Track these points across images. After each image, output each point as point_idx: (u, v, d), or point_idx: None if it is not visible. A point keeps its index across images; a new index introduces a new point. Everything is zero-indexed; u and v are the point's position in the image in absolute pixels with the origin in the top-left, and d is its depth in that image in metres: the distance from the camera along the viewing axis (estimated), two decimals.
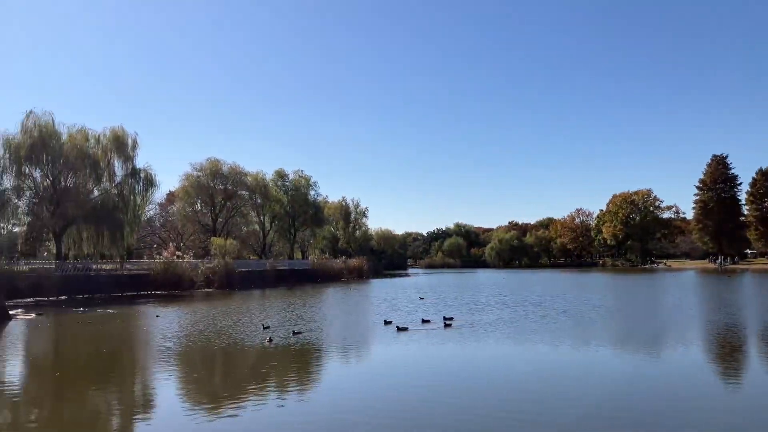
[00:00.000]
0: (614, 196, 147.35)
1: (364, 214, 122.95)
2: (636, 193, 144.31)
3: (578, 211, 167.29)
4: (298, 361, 18.54)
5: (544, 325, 25.73)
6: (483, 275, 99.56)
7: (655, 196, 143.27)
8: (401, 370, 16.67)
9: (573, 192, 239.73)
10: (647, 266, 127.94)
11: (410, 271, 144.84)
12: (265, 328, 24.86)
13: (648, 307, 34.05)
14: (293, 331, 23.69)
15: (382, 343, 21.34)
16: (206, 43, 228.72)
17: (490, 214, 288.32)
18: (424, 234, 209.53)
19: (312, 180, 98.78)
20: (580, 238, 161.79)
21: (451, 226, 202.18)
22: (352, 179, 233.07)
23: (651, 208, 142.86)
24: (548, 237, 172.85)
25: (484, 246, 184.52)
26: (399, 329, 24.37)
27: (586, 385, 14.49)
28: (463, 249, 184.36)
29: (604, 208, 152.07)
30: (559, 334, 23.04)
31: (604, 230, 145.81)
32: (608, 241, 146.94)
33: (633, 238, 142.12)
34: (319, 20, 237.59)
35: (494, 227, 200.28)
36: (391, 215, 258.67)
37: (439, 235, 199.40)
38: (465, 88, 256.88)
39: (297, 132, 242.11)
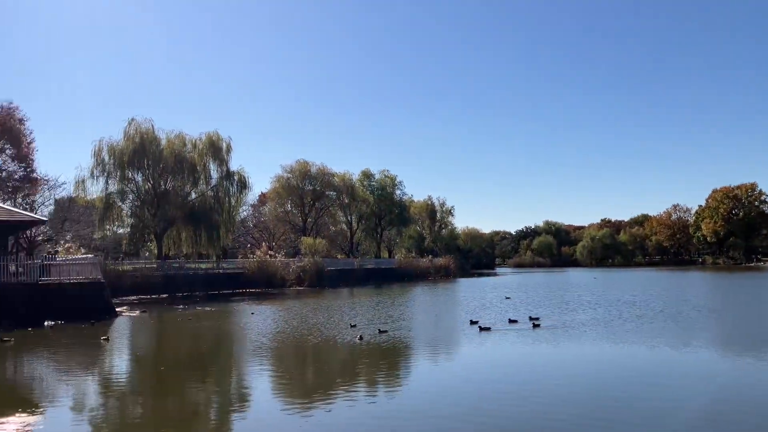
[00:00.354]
0: (714, 191, 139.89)
1: (450, 212, 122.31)
2: (739, 187, 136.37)
3: (675, 207, 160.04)
4: (387, 359, 18.67)
5: (639, 326, 24.73)
6: (574, 274, 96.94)
7: (760, 190, 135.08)
8: (490, 371, 16.45)
9: (669, 187, 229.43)
10: (752, 264, 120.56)
11: (498, 270, 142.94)
12: (352, 327, 25.18)
13: (754, 308, 32.12)
14: (379, 330, 23.88)
15: (470, 343, 21.14)
16: (294, 45, 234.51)
17: (581, 212, 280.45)
18: (512, 232, 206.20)
19: (398, 179, 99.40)
20: (678, 236, 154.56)
21: (541, 224, 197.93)
22: (438, 178, 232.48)
23: (756, 203, 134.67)
24: (643, 234, 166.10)
25: (575, 244, 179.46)
26: (481, 329, 24.03)
27: (685, 390, 13.80)
28: (553, 247, 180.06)
29: (703, 203, 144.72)
30: (655, 335, 22.07)
31: (703, 227, 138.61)
32: (708, 239, 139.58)
33: (736, 234, 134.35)
34: (407, 17, 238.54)
35: (586, 225, 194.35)
36: (478, 214, 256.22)
37: (527, 234, 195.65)
38: (553, 81, 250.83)
39: (383, 132, 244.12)
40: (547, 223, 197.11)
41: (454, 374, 16.21)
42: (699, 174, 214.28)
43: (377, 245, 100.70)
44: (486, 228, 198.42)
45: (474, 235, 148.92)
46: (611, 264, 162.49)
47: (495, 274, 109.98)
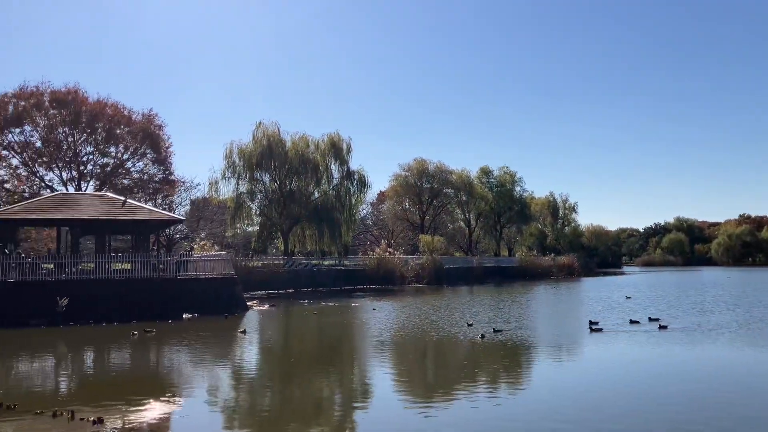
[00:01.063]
0: None
1: (573, 209, 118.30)
2: None
3: None
4: (508, 358, 18.32)
5: None
6: (708, 274, 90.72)
7: None
8: (615, 373, 15.67)
9: None
10: None
11: (625, 269, 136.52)
12: (469, 326, 24.84)
13: None
14: (493, 329, 23.38)
15: (589, 345, 20.30)
16: (410, 44, 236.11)
17: (715, 207, 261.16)
18: (640, 230, 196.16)
19: (517, 176, 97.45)
20: None
21: (671, 220, 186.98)
22: (560, 173, 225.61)
23: None
24: None
25: (709, 242, 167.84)
26: (592, 330, 23.14)
27: None
28: (685, 245, 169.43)
29: None
30: None
31: None
32: None
33: None
34: (522, 16, 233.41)
35: (721, 221, 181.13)
36: (603, 210, 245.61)
37: (657, 231, 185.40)
38: (678, 68, 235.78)
39: (502, 128, 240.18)
40: (678, 219, 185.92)
41: (576, 375, 15.59)
42: None
43: (497, 243, 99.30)
44: (612, 225, 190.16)
45: (599, 233, 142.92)
46: (752, 263, 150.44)
47: (622, 273, 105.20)
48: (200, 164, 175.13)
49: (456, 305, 36.66)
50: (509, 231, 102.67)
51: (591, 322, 24.77)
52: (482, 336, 21.69)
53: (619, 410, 11.79)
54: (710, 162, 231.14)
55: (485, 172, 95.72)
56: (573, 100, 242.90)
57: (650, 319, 26.01)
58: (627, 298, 40.83)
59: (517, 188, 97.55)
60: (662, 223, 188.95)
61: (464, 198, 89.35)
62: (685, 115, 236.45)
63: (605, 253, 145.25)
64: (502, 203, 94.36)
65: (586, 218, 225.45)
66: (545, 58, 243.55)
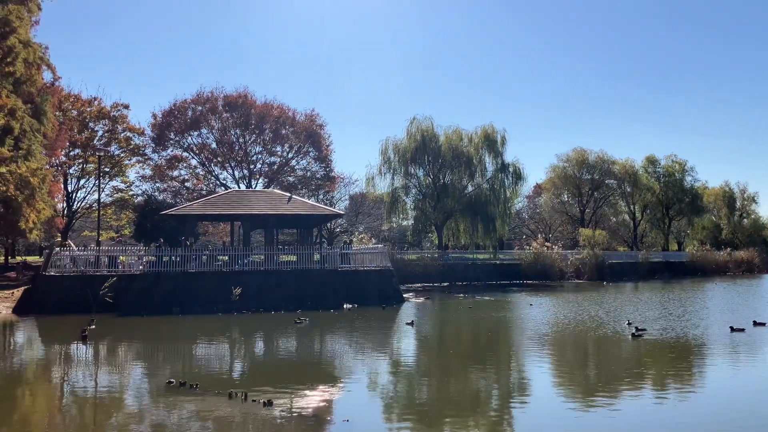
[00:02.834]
0: None
1: (753, 200, 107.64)
2: None
3: None
4: (673, 358, 17.07)
5: None
6: None
7: None
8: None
9: None
10: None
11: None
12: (629, 324, 23.34)
13: None
14: (636, 328, 21.64)
15: (747, 348, 18.36)
16: (565, 34, 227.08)
17: None
18: None
19: (687, 165, 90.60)
20: None
21: None
22: (737, 161, 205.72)
23: None
24: None
25: None
26: (733, 330, 21.19)
27: None
28: None
29: None
30: None
31: None
32: None
33: None
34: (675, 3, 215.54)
35: None
36: None
37: None
38: None
39: (670, 114, 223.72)
40: None
41: (749, 380, 14.17)
42: None
43: (664, 237, 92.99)
44: None
45: None
46: None
47: None
48: (358, 161, 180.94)
49: (617, 302, 34.82)
50: (678, 224, 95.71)
51: (756, 323, 22.64)
52: (636, 330, 20.45)
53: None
54: None
55: (651, 161, 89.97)
56: (746, 83, 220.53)
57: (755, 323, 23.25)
58: None
59: (688, 178, 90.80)
60: None
61: (628, 189, 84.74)
62: None
63: None
64: (671, 194, 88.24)
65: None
66: (714, 38, 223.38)
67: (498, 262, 59.98)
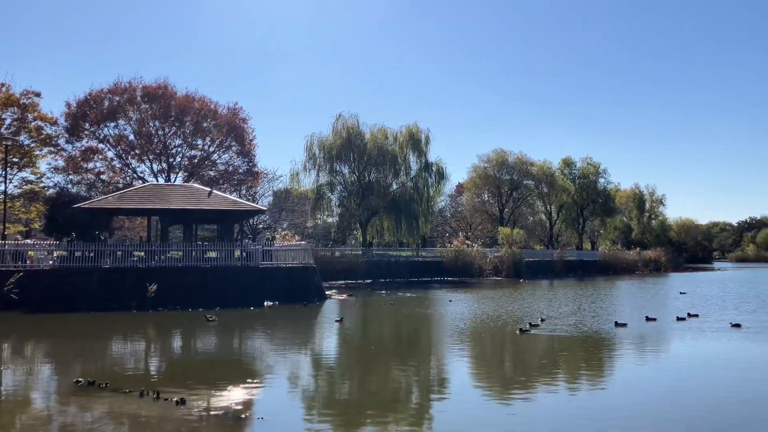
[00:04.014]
0: None
1: (660, 202, 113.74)
2: None
3: None
4: (585, 352, 17.78)
5: None
6: None
7: None
8: (694, 371, 14.93)
9: None
10: None
11: (716, 265, 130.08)
12: (542, 321, 24.14)
13: None
14: (529, 324, 22.50)
15: (677, 340, 19.46)
16: (488, 37, 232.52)
17: None
18: (734, 224, 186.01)
19: (601, 167, 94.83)
20: None
21: None
22: (647, 165, 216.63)
23: None
24: None
25: None
26: (618, 325, 22.54)
27: None
28: None
29: None
30: None
31: None
32: None
33: None
34: (601, 5, 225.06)
35: None
36: (693, 203, 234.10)
37: (752, 225, 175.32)
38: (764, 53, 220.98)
39: (585, 118, 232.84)
40: None
41: (656, 371, 14.96)
42: None
43: (579, 236, 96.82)
44: (702, 219, 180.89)
45: (688, 227, 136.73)
46: None
47: (712, 269, 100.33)
48: (282, 157, 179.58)
49: (533, 299, 35.98)
50: (592, 224, 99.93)
51: (648, 318, 24.39)
52: (522, 329, 21.17)
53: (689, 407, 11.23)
54: None
55: (567, 163, 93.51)
56: (661, 89, 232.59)
57: (689, 315, 25.13)
58: (681, 293, 39.75)
59: (601, 180, 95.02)
60: (758, 217, 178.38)
61: (545, 190, 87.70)
62: None
63: (694, 248, 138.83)
64: (585, 195, 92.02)
65: (674, 211, 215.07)
66: (631, 46, 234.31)
67: (420, 259, 60.83)
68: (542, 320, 24.13)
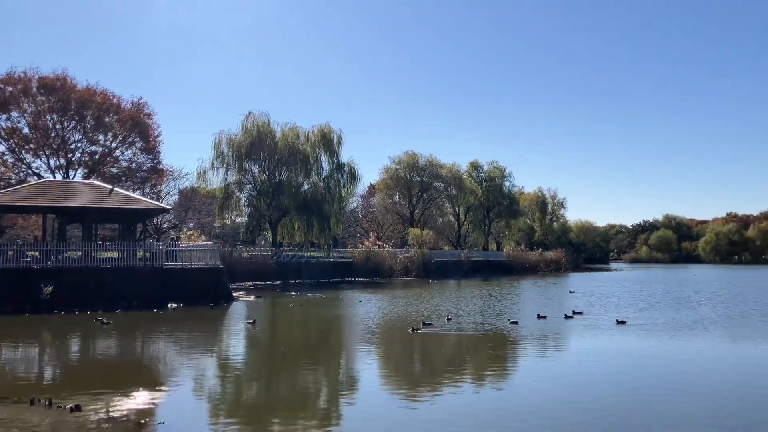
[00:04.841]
0: None
1: (561, 204, 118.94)
2: None
3: None
4: (490, 349, 18.34)
5: (724, 327, 22.89)
6: (691, 271, 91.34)
7: None
8: (583, 367, 15.75)
9: None
10: None
11: (612, 265, 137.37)
12: (448, 320, 24.73)
13: None
14: (422, 323, 23.00)
15: (576, 337, 20.45)
16: (403, 40, 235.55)
17: (703, 205, 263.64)
18: (629, 226, 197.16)
19: (507, 171, 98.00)
20: None
21: (660, 217, 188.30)
22: (549, 169, 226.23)
23: None
24: None
25: (697, 240, 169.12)
26: (511, 322, 23.58)
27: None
28: (673, 243, 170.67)
29: None
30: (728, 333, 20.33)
31: None
32: None
33: None
34: (515, 10, 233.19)
35: (709, 219, 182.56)
36: (592, 206, 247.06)
37: (645, 228, 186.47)
38: (670, 65, 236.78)
39: (492, 123, 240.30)
40: (666, 216, 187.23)
41: (562, 366, 15.65)
42: None
43: (485, 237, 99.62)
44: (600, 221, 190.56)
45: (587, 229, 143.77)
46: (738, 261, 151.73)
47: (608, 269, 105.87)
48: (190, 154, 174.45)
49: (442, 298, 36.73)
50: (498, 225, 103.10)
51: (539, 316, 25.61)
52: (414, 329, 21.61)
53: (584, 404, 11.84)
54: (699, 161, 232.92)
55: (475, 166, 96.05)
56: (564, 96, 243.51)
57: (574, 313, 26.62)
58: (571, 292, 42.10)
59: (507, 183, 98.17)
60: (651, 220, 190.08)
61: (454, 192, 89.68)
62: (675, 114, 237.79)
63: (593, 249, 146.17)
64: (491, 198, 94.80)
65: (574, 214, 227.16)
66: (538, 53, 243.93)
67: (332, 260, 60.74)
68: (448, 319, 24.69)
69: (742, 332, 21.83)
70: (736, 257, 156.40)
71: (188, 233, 53.34)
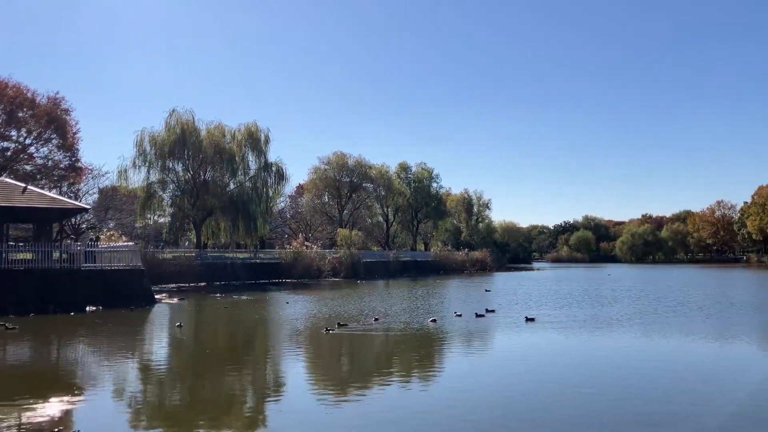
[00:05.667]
0: (761, 188, 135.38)
1: (487, 206, 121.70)
2: None
3: (719, 203, 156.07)
4: (416, 349, 18.58)
5: (619, 322, 24.18)
6: (607, 270, 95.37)
7: None
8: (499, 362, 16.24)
9: (713, 183, 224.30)
10: None
11: (535, 265, 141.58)
12: (376, 320, 24.91)
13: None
14: (337, 324, 23.11)
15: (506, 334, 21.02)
16: (333, 40, 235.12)
17: (621, 207, 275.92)
18: (551, 227, 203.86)
19: (434, 172, 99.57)
20: (721, 233, 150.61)
21: (580, 219, 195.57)
22: (475, 171, 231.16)
23: None
24: (685, 231, 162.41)
25: (615, 240, 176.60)
26: (433, 321, 24.14)
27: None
28: (592, 243, 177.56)
29: (748, 200, 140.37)
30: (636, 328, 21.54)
31: (748, 224, 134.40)
32: (754, 236, 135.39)
33: None
34: (440, 11, 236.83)
35: (626, 220, 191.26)
36: (515, 208, 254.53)
37: (566, 229, 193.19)
38: (593, 71, 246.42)
39: (421, 125, 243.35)
40: (586, 218, 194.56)
41: (494, 364, 16.03)
42: (744, 170, 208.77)
43: (413, 238, 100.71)
44: (524, 222, 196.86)
45: (511, 229, 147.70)
46: (652, 261, 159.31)
47: (531, 269, 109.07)
48: (110, 152, 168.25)
49: (369, 299, 36.88)
50: (425, 226, 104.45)
51: (455, 313, 26.35)
52: (327, 329, 21.80)
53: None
54: (617, 164, 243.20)
55: (403, 167, 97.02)
56: (490, 98, 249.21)
57: (487, 311, 27.54)
58: (486, 291, 43.62)
59: (434, 184, 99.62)
60: (571, 221, 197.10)
61: (383, 193, 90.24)
62: (595, 117, 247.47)
63: (516, 249, 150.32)
64: (420, 199, 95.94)
65: (499, 215, 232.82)
66: (464, 54, 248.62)
67: (258, 261, 59.91)
68: (376, 319, 24.83)
69: (653, 327, 22.93)
70: (651, 257, 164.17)
71: (108, 234, 51.41)
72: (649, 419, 10.68)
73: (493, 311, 27.68)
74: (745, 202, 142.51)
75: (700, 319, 25.74)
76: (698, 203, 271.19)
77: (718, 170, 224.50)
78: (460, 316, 25.87)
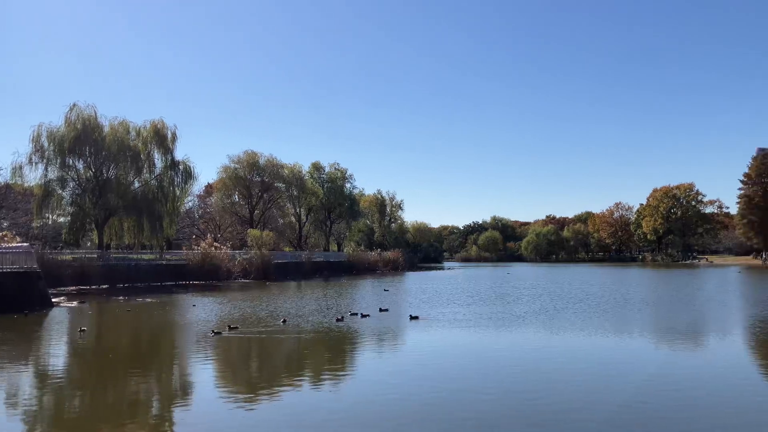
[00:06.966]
0: (655, 190, 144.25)
1: (399, 207, 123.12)
2: (677, 187, 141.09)
3: (617, 205, 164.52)
4: (327, 349, 18.63)
5: (505, 319, 25.40)
6: (514, 269, 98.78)
7: (697, 191, 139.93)
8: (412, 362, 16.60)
9: (612, 186, 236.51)
10: (688, 262, 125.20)
11: (446, 264, 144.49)
12: (284, 322, 24.72)
13: (681, 300, 33.26)
14: (229, 327, 23.02)
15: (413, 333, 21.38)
16: (244, 36, 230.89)
17: (527, 208, 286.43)
18: (461, 227, 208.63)
19: (348, 173, 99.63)
20: (619, 233, 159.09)
21: (488, 219, 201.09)
22: (388, 172, 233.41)
23: (693, 203, 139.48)
24: (586, 231, 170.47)
25: (521, 240, 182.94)
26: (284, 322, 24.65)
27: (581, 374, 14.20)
28: (499, 243, 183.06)
29: (644, 202, 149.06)
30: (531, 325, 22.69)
31: (644, 225, 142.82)
32: (648, 236, 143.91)
33: (674, 233, 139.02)
34: (356, 13, 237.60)
35: (531, 221, 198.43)
36: (427, 208, 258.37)
37: (475, 229, 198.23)
38: (498, 77, 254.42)
39: (334, 125, 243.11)
40: (493, 218, 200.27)
41: (400, 363, 16.27)
42: (641, 173, 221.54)
43: (326, 238, 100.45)
44: (435, 222, 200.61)
45: (423, 230, 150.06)
46: (555, 260, 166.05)
47: (442, 268, 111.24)
48: (4, 148, 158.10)
49: (280, 300, 36.51)
50: (339, 226, 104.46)
51: (336, 317, 26.64)
52: (284, 321, 21.75)
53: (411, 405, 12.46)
54: (523, 165, 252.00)
55: (317, 167, 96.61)
56: (403, 98, 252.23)
57: (380, 310, 28.67)
58: (385, 290, 45.16)
59: (348, 185, 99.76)
60: (480, 222, 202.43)
61: (295, 193, 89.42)
62: (502, 119, 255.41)
63: (428, 249, 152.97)
64: (333, 199, 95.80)
65: (411, 216, 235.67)
66: (378, 53, 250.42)
67: (165, 262, 57.95)
68: (284, 321, 24.63)
69: (553, 324, 23.96)
70: (554, 256, 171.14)
71: (1, 234, 48.29)
72: (538, 411, 11.17)
73: (386, 310, 28.62)
74: (641, 204, 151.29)
75: (596, 314, 27.14)
76: (599, 205, 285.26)
77: (617, 173, 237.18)
78: (366, 315, 26.42)
